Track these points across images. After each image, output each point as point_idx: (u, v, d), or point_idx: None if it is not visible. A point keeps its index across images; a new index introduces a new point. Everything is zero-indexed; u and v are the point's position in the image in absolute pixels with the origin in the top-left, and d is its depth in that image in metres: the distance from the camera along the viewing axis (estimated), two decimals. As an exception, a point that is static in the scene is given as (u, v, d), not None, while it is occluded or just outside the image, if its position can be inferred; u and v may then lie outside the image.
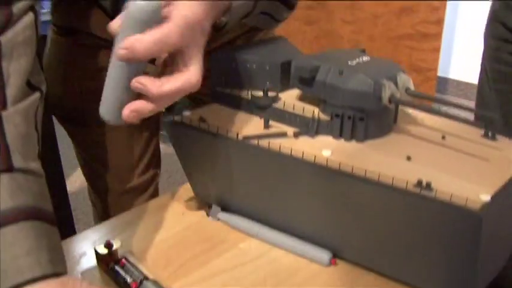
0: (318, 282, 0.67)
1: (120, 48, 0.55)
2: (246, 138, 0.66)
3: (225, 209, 0.77)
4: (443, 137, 0.67)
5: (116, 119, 0.60)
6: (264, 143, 0.65)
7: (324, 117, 0.67)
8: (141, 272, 0.64)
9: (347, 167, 0.60)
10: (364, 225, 0.63)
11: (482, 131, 0.69)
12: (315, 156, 0.62)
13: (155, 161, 1.03)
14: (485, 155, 0.63)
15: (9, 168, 0.54)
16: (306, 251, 0.69)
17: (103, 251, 0.67)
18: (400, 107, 0.72)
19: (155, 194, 1.04)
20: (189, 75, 0.59)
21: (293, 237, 0.71)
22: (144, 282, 0.62)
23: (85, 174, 1.05)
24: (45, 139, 0.97)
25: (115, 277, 0.65)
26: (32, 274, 0.50)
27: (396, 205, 0.59)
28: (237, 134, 0.67)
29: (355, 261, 0.68)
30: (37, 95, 0.59)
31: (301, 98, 0.72)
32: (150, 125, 0.98)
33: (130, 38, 0.55)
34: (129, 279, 0.63)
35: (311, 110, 0.68)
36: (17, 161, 0.55)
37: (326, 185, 0.63)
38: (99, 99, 0.61)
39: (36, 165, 0.57)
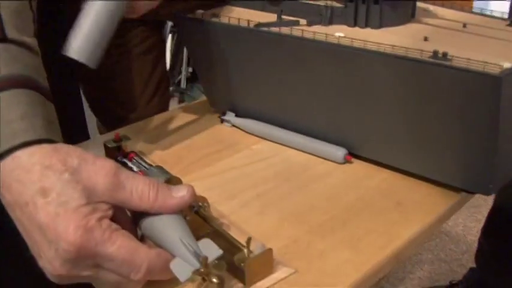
0: (332, 178, 0.64)
1: None
2: (258, 25, 0.64)
3: (239, 115, 0.75)
4: (464, 25, 0.64)
5: (95, 59, 0.57)
6: (275, 29, 0.63)
7: (337, 5, 0.65)
8: (148, 164, 0.63)
9: (359, 42, 0.57)
10: (378, 109, 0.60)
11: (507, 22, 0.65)
12: (326, 35, 0.59)
13: (162, 88, 1.03)
14: (509, 38, 0.60)
15: (3, 39, 0.52)
16: (320, 148, 0.67)
17: (112, 144, 0.65)
18: (419, 5, 0.69)
19: None
20: None
21: (307, 137, 0.68)
22: (150, 168, 0.60)
23: (93, 109, 1.06)
24: (71, 102, 1.00)
25: (121, 169, 0.63)
26: (25, 137, 0.48)
27: (410, 78, 0.56)
28: (248, 22, 0.64)
29: (370, 157, 0.65)
30: None
31: (315, -6, 0.70)
32: (153, 50, 0.99)
33: None
34: (136, 169, 0.62)
35: (325, 1, 0.66)
36: (11, 32, 0.53)
37: (338, 66, 0.60)
38: None
39: (32, 41, 0.56)
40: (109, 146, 0.65)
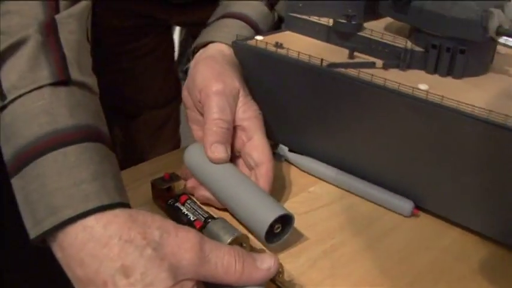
0: (400, 234, 0.60)
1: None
2: (332, 65, 0.59)
3: (292, 150, 0.70)
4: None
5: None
6: (353, 71, 0.58)
7: (417, 48, 0.60)
8: (204, 210, 0.58)
9: (451, 101, 0.52)
10: (455, 166, 0.56)
11: None
12: (412, 89, 0.54)
13: (172, 86, 1.05)
14: None
15: (66, 81, 0.47)
16: (385, 199, 0.62)
17: (161, 185, 0.60)
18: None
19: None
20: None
21: (371, 184, 0.64)
22: (211, 221, 0.55)
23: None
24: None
25: (175, 215, 0.58)
26: (99, 201, 0.43)
27: (503, 145, 0.51)
28: (322, 61, 0.59)
29: (439, 213, 0.61)
30: (87, 1, 0.53)
31: (388, 29, 0.65)
32: (164, 55, 1.02)
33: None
34: (192, 217, 0.57)
35: (402, 41, 0.60)
36: (74, 72, 0.48)
37: (421, 122, 0.55)
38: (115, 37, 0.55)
39: (92, 80, 0.51)
40: (158, 186, 0.60)
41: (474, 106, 0.51)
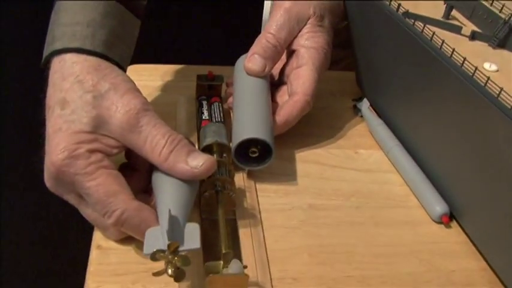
0: (409, 233, 0.49)
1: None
2: (406, 14, 0.50)
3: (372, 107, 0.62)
4: None
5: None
6: (420, 26, 0.48)
7: (522, 25, 0.47)
8: (222, 116, 0.56)
9: (495, 88, 0.40)
10: (497, 183, 0.43)
11: None
12: (464, 59, 0.43)
13: None
14: None
15: None
16: (421, 191, 0.52)
17: (202, 81, 0.60)
18: None
19: None
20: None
21: (420, 170, 0.54)
22: (214, 122, 0.54)
23: None
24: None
25: (197, 110, 0.59)
26: (81, 44, 0.47)
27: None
28: (399, 6, 0.51)
29: (469, 233, 0.49)
30: None
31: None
32: None
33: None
34: (205, 116, 0.56)
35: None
36: None
37: (463, 106, 0.44)
38: None
39: None
40: (199, 82, 0.60)
41: (518, 102, 0.39)
